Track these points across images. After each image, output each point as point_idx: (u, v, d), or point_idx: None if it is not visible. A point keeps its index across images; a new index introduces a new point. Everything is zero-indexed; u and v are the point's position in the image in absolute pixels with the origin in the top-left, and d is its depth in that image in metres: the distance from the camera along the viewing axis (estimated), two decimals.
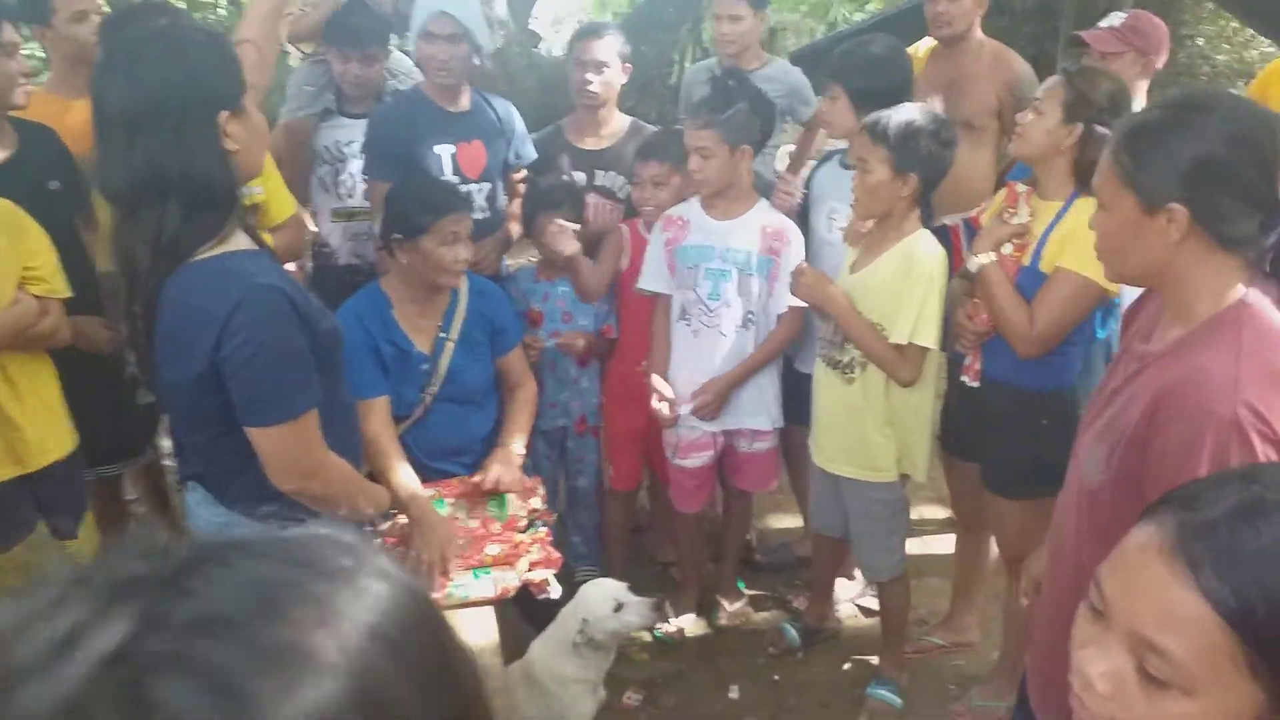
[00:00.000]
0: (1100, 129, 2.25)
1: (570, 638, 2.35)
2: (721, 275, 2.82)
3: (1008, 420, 2.51)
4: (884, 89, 2.63)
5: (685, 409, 2.89)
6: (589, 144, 3.25)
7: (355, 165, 3.20)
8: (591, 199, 3.20)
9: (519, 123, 3.22)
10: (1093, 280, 2.26)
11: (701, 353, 2.86)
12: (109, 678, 0.39)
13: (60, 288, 2.40)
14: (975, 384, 2.56)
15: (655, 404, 2.89)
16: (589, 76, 3.13)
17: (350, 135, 3.19)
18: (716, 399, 2.85)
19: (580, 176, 3.21)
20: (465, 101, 3.08)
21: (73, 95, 2.74)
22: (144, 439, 3.08)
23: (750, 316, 2.84)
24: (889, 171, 2.42)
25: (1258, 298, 1.40)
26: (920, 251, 2.50)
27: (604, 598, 2.36)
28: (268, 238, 2.67)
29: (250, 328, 1.61)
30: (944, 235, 2.82)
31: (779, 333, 2.87)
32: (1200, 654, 0.77)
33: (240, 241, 1.70)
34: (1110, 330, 2.59)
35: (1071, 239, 2.29)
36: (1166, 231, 1.41)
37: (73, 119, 2.68)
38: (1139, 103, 2.83)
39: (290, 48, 3.73)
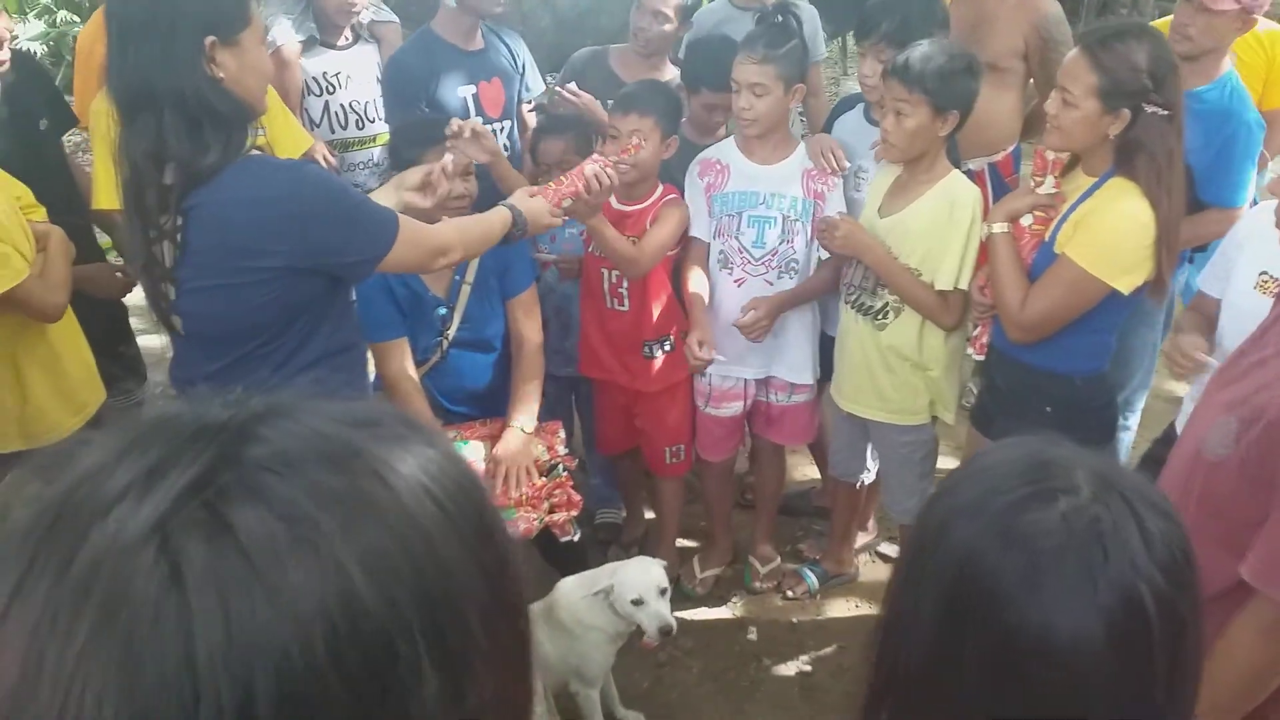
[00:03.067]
0: (1150, 108, 2.06)
1: (596, 587, 2.36)
2: (766, 222, 2.72)
3: (1013, 396, 2.39)
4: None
5: (720, 358, 2.76)
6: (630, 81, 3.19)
7: (344, 96, 3.19)
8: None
9: (528, 56, 3.19)
10: (1093, 276, 2.11)
11: (745, 303, 2.75)
12: (191, 504, 0.43)
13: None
14: (980, 357, 2.51)
15: (693, 343, 2.64)
16: (645, 25, 3.08)
17: (337, 66, 3.19)
18: (769, 316, 2.69)
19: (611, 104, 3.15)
20: (479, 39, 3.04)
21: None
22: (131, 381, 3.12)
23: (794, 264, 2.74)
24: (929, 113, 2.35)
25: None
26: (960, 193, 2.46)
27: (636, 584, 2.30)
28: None
29: (323, 199, 1.72)
30: (970, 180, 2.78)
31: (825, 271, 2.74)
32: None
33: None
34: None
35: (1085, 224, 2.12)
36: None
37: None
38: (1226, 62, 2.66)
39: None
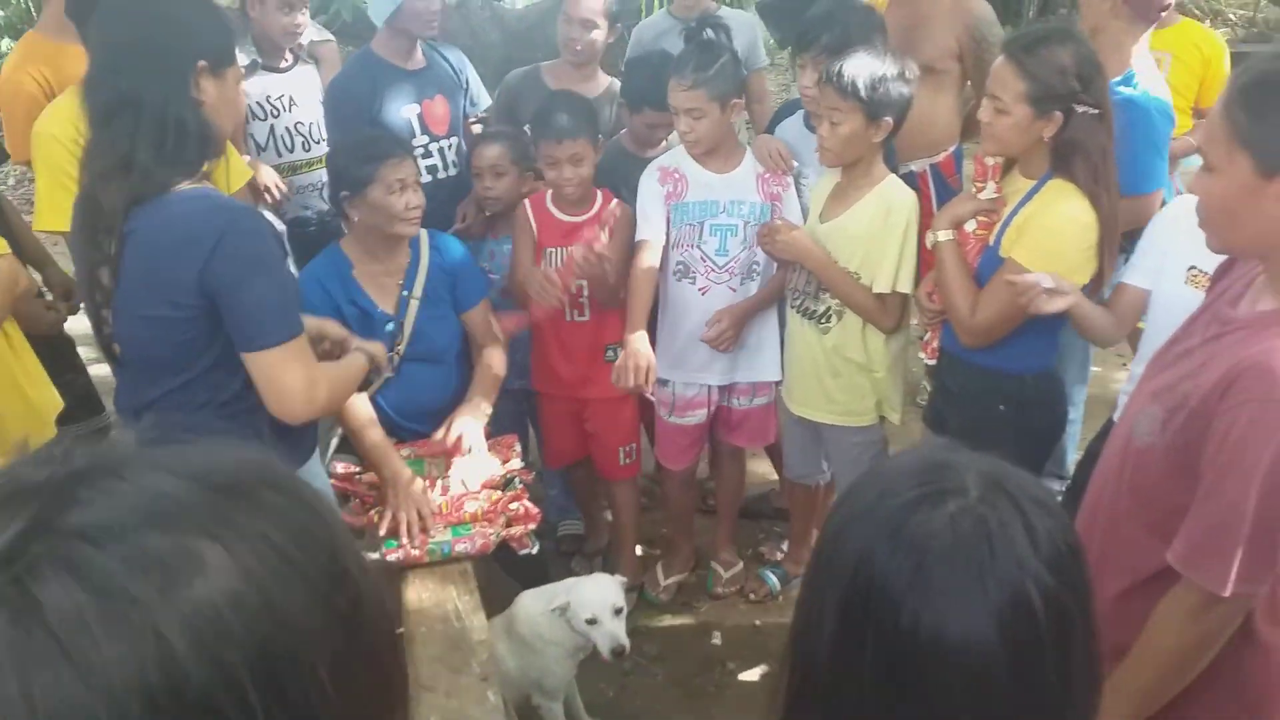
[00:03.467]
0: (1081, 108, 2.09)
1: (553, 604, 2.37)
2: (729, 230, 2.74)
3: (966, 397, 2.41)
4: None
5: (680, 375, 2.84)
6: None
7: (289, 118, 3.19)
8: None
9: (471, 71, 3.20)
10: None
11: (711, 311, 2.77)
12: None
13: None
14: (932, 361, 2.54)
15: (641, 369, 2.59)
16: (575, 35, 3.10)
17: (280, 89, 3.18)
18: (734, 327, 2.74)
19: None
20: (420, 57, 3.05)
21: (65, 39, 2.70)
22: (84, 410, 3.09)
23: (756, 269, 2.78)
24: (862, 120, 2.38)
25: None
26: (896, 198, 2.49)
27: (590, 603, 2.31)
28: None
29: (245, 246, 1.68)
30: (911, 182, 2.81)
31: (781, 274, 2.77)
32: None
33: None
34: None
35: (1029, 227, 2.15)
36: None
37: (64, 62, 2.69)
38: (1141, 54, 2.64)
39: None
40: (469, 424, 2.48)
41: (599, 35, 3.12)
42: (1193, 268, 2.07)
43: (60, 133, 2.30)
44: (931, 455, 0.87)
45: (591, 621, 2.30)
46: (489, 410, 2.56)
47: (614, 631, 2.30)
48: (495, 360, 2.64)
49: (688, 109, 2.61)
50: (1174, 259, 2.10)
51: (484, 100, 3.26)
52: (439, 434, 2.46)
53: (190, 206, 1.69)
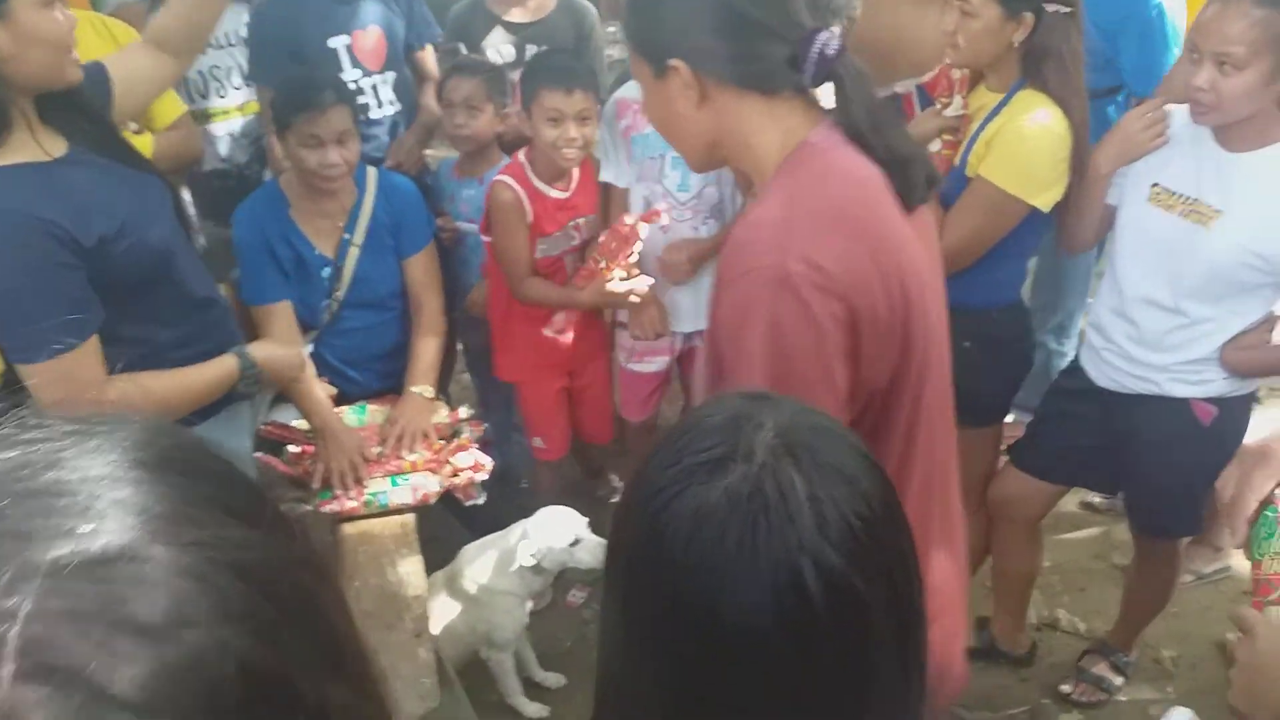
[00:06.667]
0: (1051, 6, 1.96)
1: (514, 558, 2.28)
2: None
3: None
4: None
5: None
6: (516, 15, 2.96)
7: (201, 61, 2.88)
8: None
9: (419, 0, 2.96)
10: (1010, 195, 2.01)
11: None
12: None
13: None
14: None
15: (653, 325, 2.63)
16: None
17: None
18: (690, 261, 2.58)
19: (509, 51, 2.95)
20: None
21: None
22: None
23: (719, 209, 2.61)
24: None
25: (824, 134, 1.18)
26: None
27: (562, 530, 2.28)
28: (144, 140, 2.50)
29: None
30: (896, 104, 2.63)
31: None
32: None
33: (19, 155, 1.53)
34: None
35: (998, 142, 2.02)
36: (684, 95, 1.20)
37: None
38: None
39: None
40: (416, 423, 2.35)
41: None
42: (1155, 184, 1.99)
43: None
44: (734, 407, 0.76)
45: (575, 543, 2.27)
46: (431, 394, 2.42)
47: (600, 541, 2.27)
48: (434, 325, 2.48)
49: None
50: (1136, 177, 2.02)
51: (433, 34, 2.99)
52: (378, 449, 2.30)
53: None
